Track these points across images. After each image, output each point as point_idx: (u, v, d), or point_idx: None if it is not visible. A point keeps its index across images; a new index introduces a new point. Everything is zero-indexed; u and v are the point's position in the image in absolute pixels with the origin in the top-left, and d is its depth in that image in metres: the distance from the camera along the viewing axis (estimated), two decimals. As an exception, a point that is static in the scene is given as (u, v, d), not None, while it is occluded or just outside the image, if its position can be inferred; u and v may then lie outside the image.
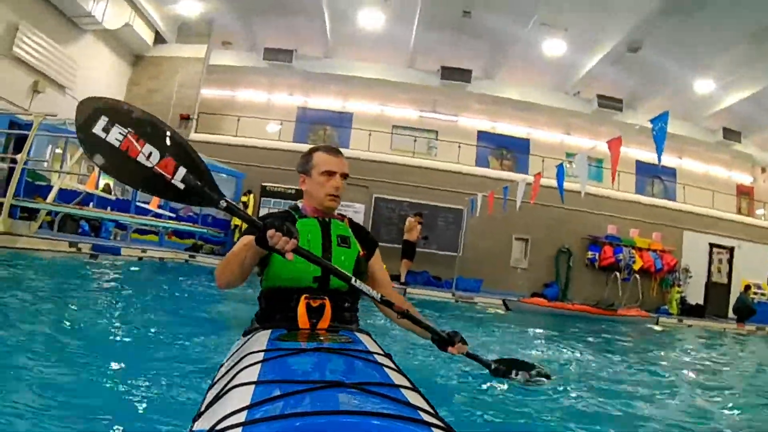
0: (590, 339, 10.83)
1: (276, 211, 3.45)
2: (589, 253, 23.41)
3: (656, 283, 23.68)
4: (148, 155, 2.57)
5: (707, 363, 9.40)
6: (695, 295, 23.71)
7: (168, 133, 2.70)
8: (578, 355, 7.75)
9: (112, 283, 9.52)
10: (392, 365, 2.26)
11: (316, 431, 1.43)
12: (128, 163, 2.58)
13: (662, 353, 10.33)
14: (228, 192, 20.77)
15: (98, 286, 8.85)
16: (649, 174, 27.22)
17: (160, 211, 18.18)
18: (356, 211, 23.41)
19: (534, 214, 21.73)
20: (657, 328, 17.36)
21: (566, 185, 13.64)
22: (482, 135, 27.74)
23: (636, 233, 23.89)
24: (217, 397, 1.84)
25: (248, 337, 2.83)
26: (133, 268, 12.63)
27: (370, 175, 23.24)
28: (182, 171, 2.64)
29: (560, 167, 13.79)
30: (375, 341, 2.80)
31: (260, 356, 2.15)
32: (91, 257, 12.75)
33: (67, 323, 5.26)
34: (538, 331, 11.09)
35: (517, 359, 4.65)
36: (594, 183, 24.02)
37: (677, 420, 4.39)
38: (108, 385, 3.53)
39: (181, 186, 2.64)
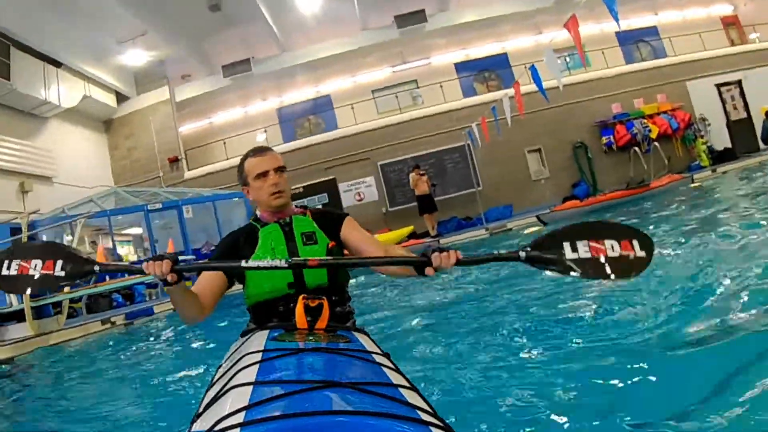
0: (637, 223, 10.45)
1: (239, 228, 3.25)
2: (603, 138, 23.00)
3: (678, 143, 23.24)
4: (34, 267, 2.95)
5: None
6: (721, 141, 23.37)
7: (46, 247, 3.06)
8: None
9: (143, 343, 9.50)
10: (390, 364, 2.22)
11: (314, 431, 1.42)
12: (25, 278, 2.93)
13: (714, 209, 10.03)
14: (240, 215, 20.93)
15: (127, 349, 8.70)
16: (632, 41, 26.57)
17: (182, 257, 18.16)
18: (368, 185, 23.38)
19: (536, 122, 21.51)
20: (694, 185, 17.07)
21: (552, 83, 13.35)
22: (460, 66, 27.29)
23: (641, 102, 23.36)
24: (216, 398, 1.83)
25: (246, 337, 2.79)
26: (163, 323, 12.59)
27: (368, 146, 23.15)
28: (59, 263, 2.93)
29: (533, 69, 13.57)
30: (373, 341, 2.77)
31: (258, 357, 2.12)
32: (125, 326, 12.76)
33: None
34: None
35: (572, 225, 2.91)
36: (583, 70, 23.57)
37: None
38: (107, 387, 3.56)
39: (62, 273, 2.92)
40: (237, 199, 22.05)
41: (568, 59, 24.58)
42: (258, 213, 3.40)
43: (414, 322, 6.79)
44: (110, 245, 20.19)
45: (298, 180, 23.48)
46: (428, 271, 2.60)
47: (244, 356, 2.17)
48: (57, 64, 21.42)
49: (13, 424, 4.75)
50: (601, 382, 3.48)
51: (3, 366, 9.51)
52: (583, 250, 2.70)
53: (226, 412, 1.56)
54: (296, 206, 3.42)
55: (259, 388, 1.74)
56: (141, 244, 23.22)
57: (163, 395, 3.72)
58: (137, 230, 22.45)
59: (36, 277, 2.95)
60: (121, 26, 21.20)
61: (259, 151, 3.37)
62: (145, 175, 25.18)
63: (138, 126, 26.04)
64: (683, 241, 7.12)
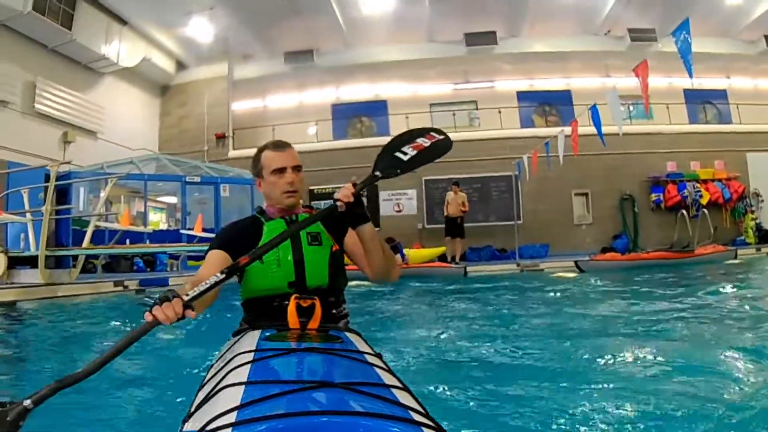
0: (673, 289, 10.13)
1: (246, 217, 3.34)
2: (653, 195, 22.45)
3: (727, 214, 22.63)
4: None
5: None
6: (770, 220, 22.77)
7: None
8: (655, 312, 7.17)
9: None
10: (382, 365, 2.22)
11: (306, 431, 1.43)
12: None
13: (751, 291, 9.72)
14: None
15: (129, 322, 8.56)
16: (699, 101, 25.83)
17: (205, 234, 18.13)
18: (409, 198, 23.20)
19: (589, 166, 21.16)
20: (736, 261, 16.67)
21: (612, 129, 13.05)
22: (522, 95, 26.79)
23: (697, 165, 22.77)
24: (207, 398, 1.83)
25: (238, 337, 2.76)
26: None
27: (416, 158, 22.96)
28: None
29: (593, 110, 13.26)
30: (365, 341, 2.73)
31: (250, 356, 2.12)
32: (137, 293, 12.78)
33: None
34: (613, 289, 10.68)
35: (393, 138, 3.53)
36: (645, 121, 23.22)
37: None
38: (97, 387, 3.57)
39: None
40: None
41: (631, 108, 24.21)
42: (264, 206, 3.34)
43: (408, 325, 6.74)
44: (142, 209, 20.26)
45: (341, 179, 23.27)
46: (339, 206, 2.79)
47: (236, 356, 2.18)
48: (122, 21, 21.73)
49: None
50: (595, 386, 3.51)
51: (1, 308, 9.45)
52: (410, 150, 3.27)
53: (218, 412, 1.57)
54: (303, 206, 3.36)
55: (250, 388, 1.74)
56: (174, 213, 23.30)
57: (152, 394, 3.69)
58: (173, 199, 22.50)
59: None
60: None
61: (279, 146, 3.28)
62: (190, 147, 25.26)
63: (192, 97, 26.23)
64: (721, 314, 6.86)
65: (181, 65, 26.48)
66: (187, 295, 2.28)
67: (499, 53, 25.05)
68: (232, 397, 1.68)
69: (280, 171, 3.17)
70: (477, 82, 26.84)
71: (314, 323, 2.69)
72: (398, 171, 3.20)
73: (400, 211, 23.52)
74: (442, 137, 3.45)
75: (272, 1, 21.85)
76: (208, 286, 2.39)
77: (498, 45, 24.63)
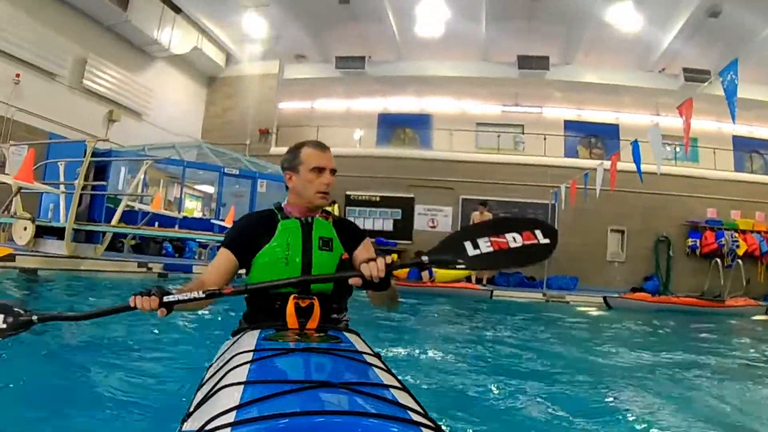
0: (698, 338, 9.94)
1: (259, 212, 3.36)
2: (690, 240, 21.95)
3: (763, 268, 21.94)
4: None
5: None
6: (805, 278, 22.11)
7: None
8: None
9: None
10: (381, 365, 2.24)
11: (305, 431, 1.43)
12: None
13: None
14: None
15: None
16: (747, 149, 25.24)
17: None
18: (445, 215, 23.08)
19: (628, 203, 20.92)
20: (765, 318, 16.35)
21: (652, 167, 12.82)
22: (569, 124, 26.51)
23: (738, 215, 22.24)
24: (206, 398, 1.84)
25: (237, 337, 2.77)
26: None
27: (455, 176, 22.86)
28: (0, 317, 2.96)
29: (635, 145, 12.99)
30: (364, 341, 2.76)
31: (249, 356, 2.14)
32: (159, 276, 12.87)
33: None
34: (639, 329, 10.49)
35: (474, 224, 3.40)
36: (690, 164, 22.91)
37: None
38: (96, 386, 3.63)
39: (4, 325, 2.94)
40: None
41: (678, 149, 23.88)
42: (284, 204, 3.31)
43: (407, 326, 6.64)
44: (178, 195, 20.39)
45: (377, 188, 23.41)
46: (354, 281, 2.67)
47: (235, 356, 2.19)
48: (177, 9, 22.04)
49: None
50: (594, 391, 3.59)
51: (23, 274, 9.62)
52: (485, 245, 2.81)
53: (217, 412, 1.57)
54: (321, 210, 3.35)
55: (249, 388, 1.75)
56: (209, 203, 23.43)
57: (151, 394, 3.65)
58: (210, 188, 22.62)
59: None
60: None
61: (322, 146, 3.27)
62: (233, 139, 25.33)
63: (239, 90, 26.50)
64: (744, 372, 6.67)
65: (231, 58, 26.68)
66: (170, 295, 2.52)
67: (550, 79, 24.79)
68: (231, 396, 1.70)
69: (320, 170, 3.16)
70: (526, 106, 26.66)
71: (313, 323, 2.73)
72: (455, 265, 2.87)
73: (434, 227, 23.35)
74: (543, 241, 2.89)
75: (329, 4, 21.91)
76: (186, 298, 2.56)
77: (550, 71, 24.35)
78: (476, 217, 18.72)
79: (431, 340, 7.01)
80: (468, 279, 18.29)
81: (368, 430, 1.44)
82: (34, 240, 11.80)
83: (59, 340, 4.91)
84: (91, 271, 11.36)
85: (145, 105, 22.37)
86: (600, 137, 26.12)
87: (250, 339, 2.50)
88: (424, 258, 2.86)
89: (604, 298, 15.58)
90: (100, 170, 17.50)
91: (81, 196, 16.61)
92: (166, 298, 2.52)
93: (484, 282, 18.33)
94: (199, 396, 1.95)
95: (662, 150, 12.68)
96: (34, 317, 2.89)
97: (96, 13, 19.31)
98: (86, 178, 16.09)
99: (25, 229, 11.64)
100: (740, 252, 20.99)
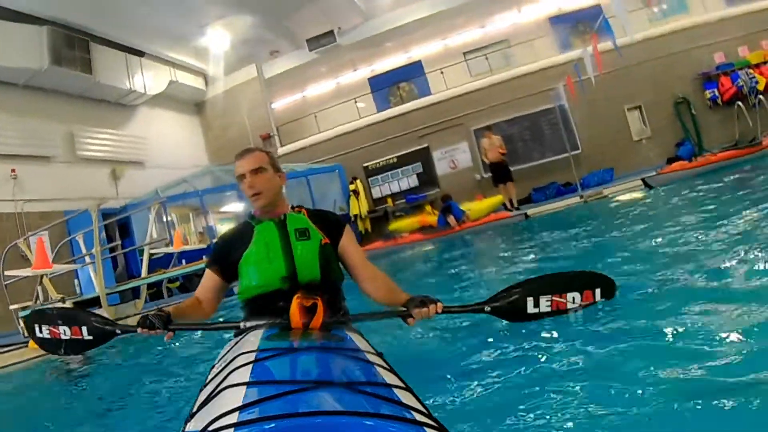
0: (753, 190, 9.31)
1: (236, 226, 3.69)
2: (707, 92, 20.97)
3: (791, 96, 21.05)
4: (64, 332, 3.54)
5: None
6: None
7: (72, 314, 3.65)
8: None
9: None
10: (384, 364, 2.27)
11: (308, 431, 1.43)
12: (58, 341, 3.57)
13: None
14: (335, 187, 21.10)
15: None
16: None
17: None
18: (463, 151, 22.89)
19: (635, 77, 20.39)
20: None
21: (653, 31, 12.39)
22: (554, 20, 25.73)
23: (745, 51, 21.16)
24: (210, 398, 1.85)
25: (240, 337, 2.83)
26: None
27: (459, 111, 22.65)
28: (84, 329, 3.48)
29: (605, 22, 12.74)
30: (367, 340, 2.82)
31: (252, 356, 2.16)
32: None
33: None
34: (686, 204, 10.10)
35: (537, 278, 3.60)
36: (681, 16, 22.27)
37: None
38: (99, 388, 4.05)
39: (90, 337, 3.47)
40: (329, 173, 22.17)
41: (665, 6, 23.24)
42: (253, 211, 3.53)
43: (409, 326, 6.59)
44: (205, 224, 20.56)
45: (392, 150, 23.33)
46: (409, 321, 3.12)
47: (238, 356, 2.22)
48: (139, 53, 21.95)
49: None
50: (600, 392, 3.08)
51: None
52: (545, 304, 3.23)
53: (220, 412, 1.58)
54: (293, 207, 3.55)
55: (252, 388, 1.77)
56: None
57: (154, 394, 3.91)
58: (239, 206, 22.73)
59: (68, 340, 3.53)
60: (199, 11, 21.24)
61: (241, 154, 3.48)
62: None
63: (229, 106, 26.47)
64: None
65: (210, 78, 26.56)
66: (171, 318, 2.96)
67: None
68: (235, 397, 1.72)
69: (241, 178, 3.41)
70: (503, 20, 26.00)
71: (316, 322, 2.76)
72: (513, 320, 3.47)
73: (455, 167, 23.14)
74: (599, 300, 3.44)
75: (280, -6, 21.65)
76: (197, 323, 3.32)
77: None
78: (485, 143, 18.51)
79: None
80: (504, 206, 18.11)
81: (371, 429, 1.45)
82: None
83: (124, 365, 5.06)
84: None
85: (143, 153, 22.36)
86: (588, 22, 25.23)
87: (254, 339, 2.56)
88: (487, 308, 3.34)
89: (642, 179, 15.22)
90: (124, 228, 17.87)
91: (116, 257, 16.95)
92: (172, 326, 2.92)
93: (515, 204, 18.03)
94: (203, 396, 1.98)
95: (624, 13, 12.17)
96: (118, 330, 3.39)
97: (66, 87, 19.30)
98: (111, 240, 16.44)
99: (64, 311, 11.77)
100: (761, 87, 19.99)
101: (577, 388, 3.03)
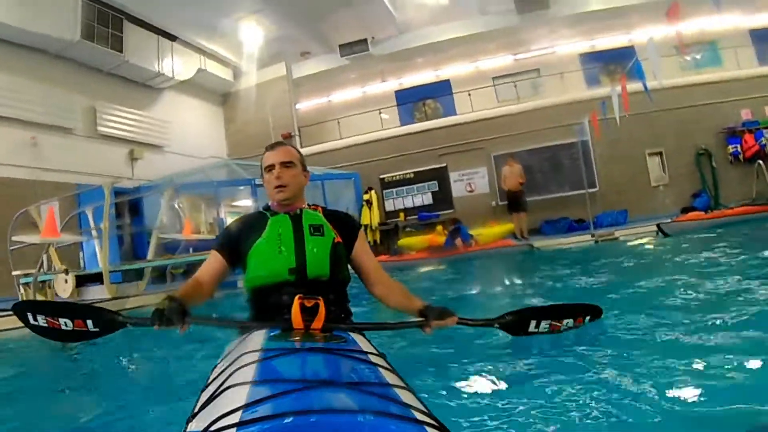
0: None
1: (250, 214, 3.72)
2: (730, 147, 20.88)
3: (810, 159, 20.92)
4: (65, 324, 3.44)
5: None
6: None
7: (73, 307, 3.57)
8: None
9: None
10: (386, 365, 2.28)
11: (310, 430, 1.43)
12: (58, 331, 3.44)
13: None
14: (349, 195, 21.15)
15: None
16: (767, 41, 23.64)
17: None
18: (481, 176, 22.86)
19: (659, 123, 20.32)
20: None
21: (686, 80, 12.39)
22: (584, 57, 25.71)
23: None
24: (212, 398, 1.85)
25: (242, 337, 2.84)
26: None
27: (482, 135, 22.61)
28: (89, 322, 3.40)
29: (636, 64, 12.75)
30: (369, 341, 2.83)
31: (255, 356, 2.17)
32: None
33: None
34: (697, 254, 9.67)
35: (539, 307, 4.21)
36: (713, 69, 22.20)
37: None
38: (100, 386, 3.94)
39: (96, 329, 3.41)
40: (345, 180, 22.17)
41: (699, 56, 23.24)
42: (271, 203, 3.57)
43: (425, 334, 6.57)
44: (216, 215, 20.60)
45: (410, 165, 23.32)
46: (427, 330, 3.17)
47: (240, 356, 2.22)
48: (172, 38, 22.08)
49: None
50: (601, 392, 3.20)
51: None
52: (544, 326, 3.80)
53: (223, 412, 1.58)
54: (309, 204, 3.58)
55: (255, 388, 1.77)
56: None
57: (156, 393, 3.85)
58: (249, 202, 22.76)
59: (71, 330, 3.43)
60: (235, 3, 21.37)
61: (272, 145, 3.60)
62: (259, 150, 25.13)
63: (254, 101, 26.49)
64: None
65: (238, 71, 26.74)
66: (187, 311, 2.82)
67: (554, 17, 23.98)
68: (237, 396, 1.72)
69: (269, 168, 3.45)
70: (537, 50, 25.93)
71: (318, 323, 2.74)
72: (516, 335, 3.92)
73: (472, 191, 23.09)
74: (587, 321, 4.07)
75: (316, -5, 21.75)
76: (215, 318, 3.30)
77: (550, 8, 23.57)
78: (506, 171, 18.53)
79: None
80: (514, 236, 18.08)
81: (372, 428, 1.45)
82: (77, 290, 12.02)
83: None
84: (137, 307, 11.44)
85: (164, 137, 22.56)
86: (619, 62, 25.15)
87: (256, 339, 2.55)
88: (496, 324, 3.82)
89: (658, 225, 15.07)
90: (135, 208, 18.03)
91: (122, 236, 17.00)
92: (190, 318, 2.82)
93: (525, 234, 18.00)
94: (205, 396, 1.97)
95: (657, 61, 12.21)
96: (129, 324, 3.32)
97: (94, 62, 19.56)
98: (121, 218, 16.54)
99: (66, 281, 11.84)
100: (783, 148, 20.13)
101: (576, 388, 3.17)
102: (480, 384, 3.54)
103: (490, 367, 3.82)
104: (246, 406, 1.57)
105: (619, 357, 3.75)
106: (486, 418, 3.05)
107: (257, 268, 3.22)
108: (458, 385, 3.57)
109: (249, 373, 1.95)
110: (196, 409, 1.86)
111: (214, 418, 1.56)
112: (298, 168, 3.53)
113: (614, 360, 3.69)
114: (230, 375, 1.99)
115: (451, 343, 4.63)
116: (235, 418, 1.52)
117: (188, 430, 1.74)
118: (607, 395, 3.05)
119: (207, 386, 2.15)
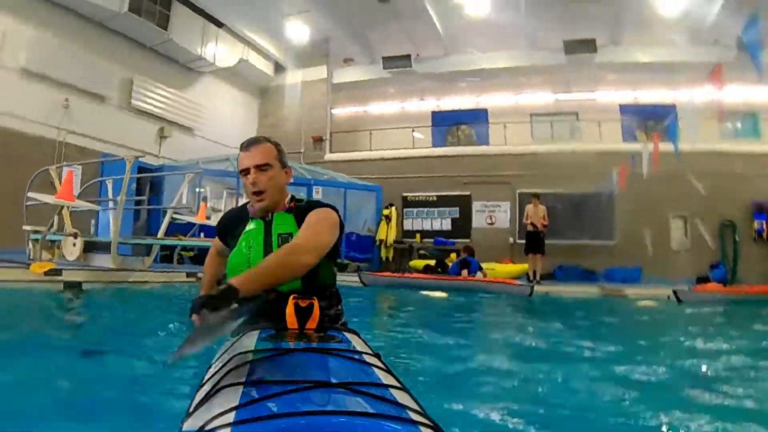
0: None
1: (239, 208, 3.50)
2: (755, 222, 20.59)
3: (835, 249, 20.54)
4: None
5: None
6: None
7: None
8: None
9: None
10: (381, 365, 2.23)
11: (304, 431, 1.43)
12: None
13: None
14: (369, 207, 21.08)
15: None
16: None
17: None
18: (503, 210, 22.77)
19: (687, 186, 20.13)
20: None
21: (722, 147, 12.27)
22: (624, 108, 25.33)
23: None
24: (206, 398, 1.81)
25: (236, 337, 2.73)
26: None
27: (510, 170, 22.49)
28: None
29: (671, 123, 12.64)
30: (364, 341, 2.77)
31: (249, 357, 2.15)
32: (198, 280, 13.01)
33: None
34: (709, 326, 9.40)
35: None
36: (752, 141, 21.85)
37: None
38: (93, 386, 3.70)
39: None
40: (368, 192, 22.16)
41: (739, 124, 23.05)
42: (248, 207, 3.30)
43: (405, 326, 6.90)
44: (235, 205, 20.68)
45: (434, 187, 23.29)
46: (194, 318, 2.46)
47: (234, 356, 2.20)
48: (218, 23, 22.35)
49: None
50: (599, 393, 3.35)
51: (68, 288, 9.81)
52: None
53: (217, 412, 1.57)
54: (290, 201, 3.26)
55: (249, 388, 1.77)
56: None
57: (150, 393, 3.70)
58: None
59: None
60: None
61: (246, 144, 3.19)
62: (287, 148, 25.08)
63: (291, 99, 26.55)
64: None
65: (279, 67, 26.89)
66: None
67: (600, 62, 23.93)
68: (231, 396, 1.72)
69: (245, 172, 3.10)
70: (578, 92, 25.83)
71: (312, 323, 2.70)
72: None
73: (492, 223, 23.04)
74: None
75: (369, 4, 21.80)
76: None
77: (599, 53, 23.47)
78: (530, 209, 18.27)
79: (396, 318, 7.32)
80: (526, 276, 17.88)
81: (367, 429, 1.46)
82: (84, 255, 12.23)
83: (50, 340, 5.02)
84: (138, 282, 11.68)
85: (195, 120, 22.77)
86: (658, 119, 24.99)
87: (250, 339, 2.52)
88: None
89: (674, 291, 14.63)
90: (155, 185, 18.25)
91: (139, 211, 17.11)
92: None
93: (537, 277, 17.65)
94: (199, 396, 1.94)
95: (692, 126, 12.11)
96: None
97: (138, 36, 19.89)
98: (141, 193, 16.62)
99: (74, 245, 12.02)
100: (810, 232, 19.82)
101: (574, 389, 3.28)
102: (478, 384, 3.52)
103: (488, 366, 3.79)
104: (241, 406, 1.58)
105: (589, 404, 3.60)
106: (482, 417, 3.16)
107: (231, 275, 3.03)
108: (456, 385, 3.60)
109: (243, 374, 1.94)
110: (191, 409, 1.84)
111: (208, 417, 1.56)
112: (276, 167, 3.17)
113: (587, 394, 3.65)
114: (225, 375, 1.96)
115: (449, 342, 4.59)
116: (229, 418, 1.52)
117: (183, 429, 1.70)
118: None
119: (202, 386, 2.12)
